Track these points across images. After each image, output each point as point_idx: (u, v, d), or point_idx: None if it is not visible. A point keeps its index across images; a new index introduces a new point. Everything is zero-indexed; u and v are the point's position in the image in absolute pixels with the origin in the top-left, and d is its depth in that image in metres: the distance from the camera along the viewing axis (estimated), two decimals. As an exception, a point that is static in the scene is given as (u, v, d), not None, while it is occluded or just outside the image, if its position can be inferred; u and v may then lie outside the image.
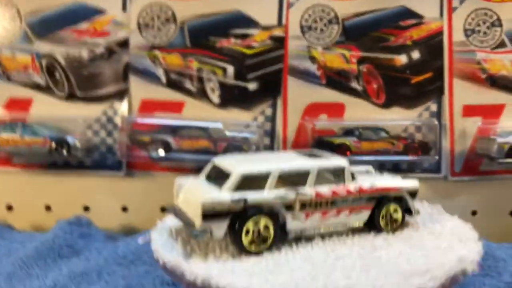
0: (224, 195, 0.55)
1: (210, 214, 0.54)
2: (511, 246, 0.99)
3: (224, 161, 0.62)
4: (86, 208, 1.09)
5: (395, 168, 1.06)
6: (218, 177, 0.60)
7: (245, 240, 0.55)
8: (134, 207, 1.09)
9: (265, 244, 0.56)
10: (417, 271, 0.51)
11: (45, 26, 1.07)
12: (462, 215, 1.07)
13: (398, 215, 0.64)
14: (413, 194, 0.66)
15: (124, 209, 1.09)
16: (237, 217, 0.55)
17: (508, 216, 1.08)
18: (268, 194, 0.57)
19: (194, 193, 0.59)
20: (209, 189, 0.58)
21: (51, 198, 1.09)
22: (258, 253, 0.56)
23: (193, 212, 0.56)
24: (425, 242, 0.60)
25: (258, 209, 0.56)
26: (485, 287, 0.79)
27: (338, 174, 0.62)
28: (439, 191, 1.06)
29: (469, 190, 1.07)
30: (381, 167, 1.06)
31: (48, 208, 1.09)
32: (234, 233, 0.55)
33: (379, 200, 0.63)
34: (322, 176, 0.61)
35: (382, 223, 0.63)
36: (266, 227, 0.56)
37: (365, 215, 0.62)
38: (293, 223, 0.58)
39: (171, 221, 0.66)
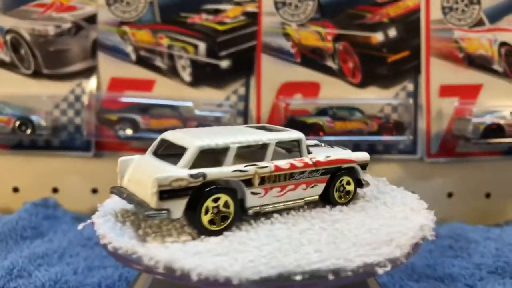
0: (181, 171, 0.52)
1: (167, 192, 0.51)
2: (485, 228, 0.98)
3: (175, 135, 0.58)
4: (55, 190, 1.06)
5: (371, 149, 1.04)
6: (170, 153, 0.57)
7: (205, 219, 0.52)
8: (104, 189, 1.06)
9: (225, 222, 0.54)
10: (382, 241, 0.50)
11: (9, 0, 1.03)
12: (438, 197, 1.07)
13: (351, 187, 0.63)
14: (363, 166, 0.64)
15: (94, 191, 1.06)
16: (195, 194, 0.52)
17: (484, 198, 1.07)
18: (227, 169, 0.54)
19: (145, 171, 0.56)
20: (162, 166, 0.55)
21: (19, 179, 1.06)
22: (218, 232, 0.53)
23: (146, 192, 0.52)
24: (381, 212, 0.59)
25: (217, 186, 0.53)
26: (454, 268, 0.78)
27: (294, 147, 0.60)
28: (414, 173, 1.05)
29: (445, 172, 1.06)
30: (356, 148, 1.04)
31: (16, 190, 1.06)
32: (193, 211, 0.52)
33: (333, 173, 0.61)
34: (279, 149, 0.59)
35: (336, 195, 0.61)
36: (226, 204, 0.53)
37: (320, 188, 0.61)
38: (252, 199, 0.56)
39: (114, 203, 0.62)
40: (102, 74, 1.03)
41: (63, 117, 1.03)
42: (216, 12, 1.03)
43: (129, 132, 0.99)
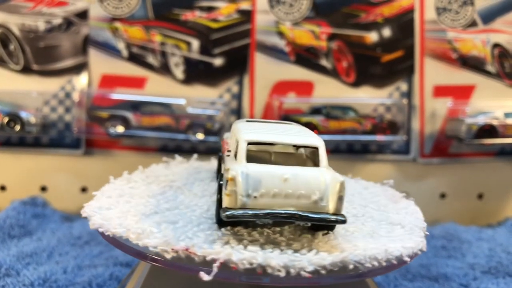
0: (335, 172, 0.49)
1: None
2: (478, 229, 0.98)
3: (270, 136, 0.52)
4: (44, 188, 1.04)
5: (364, 149, 1.03)
6: (280, 154, 0.55)
7: None
8: (93, 187, 1.03)
9: None
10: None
11: (-1, -6, 1.01)
12: (431, 197, 1.06)
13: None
14: None
15: (83, 189, 1.04)
16: None
17: (476, 199, 1.07)
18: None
19: (301, 179, 0.47)
20: (311, 172, 0.48)
21: (7, 177, 1.04)
22: None
23: (310, 200, 0.46)
24: None
25: None
26: (448, 267, 0.78)
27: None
28: (408, 173, 1.05)
29: (438, 172, 1.06)
30: (350, 147, 1.03)
31: (3, 188, 1.04)
32: None
33: None
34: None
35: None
36: None
37: None
38: None
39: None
40: (93, 71, 1.02)
41: (52, 114, 1.01)
42: (210, 9, 1.02)
43: (120, 129, 0.98)
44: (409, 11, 1.03)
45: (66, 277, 0.70)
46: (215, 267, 0.42)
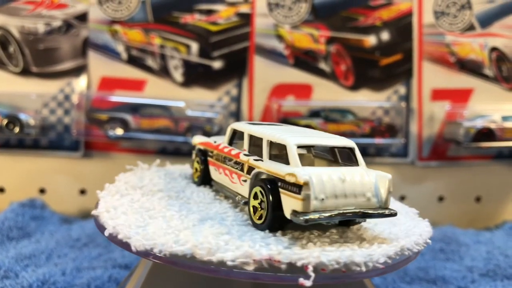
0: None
1: None
2: (476, 232, 0.98)
3: (313, 138, 0.53)
4: (42, 191, 1.04)
5: (363, 152, 1.03)
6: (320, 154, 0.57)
7: None
8: (92, 190, 1.04)
9: None
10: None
11: (-2, -3, 1.01)
12: (429, 200, 1.07)
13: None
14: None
15: (82, 192, 1.04)
16: None
17: (474, 202, 1.08)
18: None
19: (354, 179, 0.49)
20: (358, 170, 0.51)
21: (5, 179, 1.04)
22: None
23: (363, 198, 0.48)
24: None
25: None
26: (446, 270, 0.78)
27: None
28: (406, 176, 1.05)
29: (436, 176, 1.06)
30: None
31: (2, 190, 1.04)
32: None
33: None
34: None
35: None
36: None
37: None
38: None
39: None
40: (93, 73, 1.02)
41: (52, 116, 1.02)
42: (209, 12, 1.02)
43: (119, 132, 0.98)
44: (408, 15, 1.04)
45: (64, 279, 0.70)
46: (310, 272, 0.42)
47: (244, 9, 1.02)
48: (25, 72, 1.02)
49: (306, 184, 0.45)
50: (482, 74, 1.05)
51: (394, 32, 1.03)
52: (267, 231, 0.48)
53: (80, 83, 1.02)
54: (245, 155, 0.55)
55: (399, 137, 1.01)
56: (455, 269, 0.79)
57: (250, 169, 0.53)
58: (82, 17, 1.01)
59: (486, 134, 1.00)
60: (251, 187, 0.51)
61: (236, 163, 0.55)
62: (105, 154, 1.03)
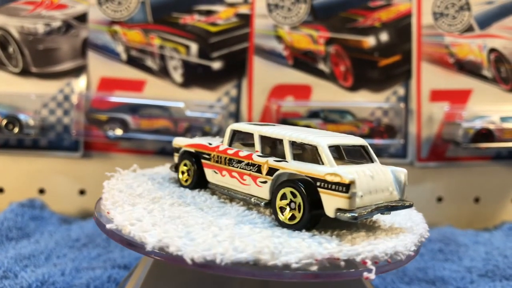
0: None
1: None
2: (475, 233, 0.99)
3: (336, 138, 0.55)
4: (42, 191, 1.04)
5: (361, 153, 1.04)
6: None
7: None
8: (91, 190, 1.05)
9: None
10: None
11: (-2, -3, 1.01)
12: (427, 201, 1.07)
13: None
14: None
15: (82, 192, 1.04)
16: None
17: (473, 202, 1.08)
18: None
19: (379, 176, 0.52)
20: (376, 167, 0.54)
21: (5, 179, 1.04)
22: None
23: (389, 192, 0.52)
24: None
25: None
26: (445, 271, 0.78)
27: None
28: (405, 177, 1.05)
29: (435, 176, 1.06)
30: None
31: (1, 190, 1.04)
32: None
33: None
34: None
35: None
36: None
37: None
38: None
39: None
40: (92, 74, 1.02)
41: (51, 117, 1.02)
42: (209, 13, 1.02)
43: (118, 132, 0.98)
44: (407, 16, 1.04)
45: (64, 279, 0.70)
46: (370, 266, 0.44)
47: (243, 10, 1.03)
48: (25, 72, 1.02)
49: (353, 182, 0.47)
50: (481, 75, 1.05)
51: (393, 33, 1.04)
52: (303, 230, 0.49)
53: (79, 84, 1.02)
54: (259, 156, 0.55)
55: (398, 138, 1.02)
56: (454, 269, 0.79)
57: (272, 170, 0.53)
58: (82, 18, 1.02)
59: (485, 135, 1.00)
60: (277, 188, 0.52)
61: (250, 164, 0.55)
62: (104, 154, 1.03)
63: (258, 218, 0.53)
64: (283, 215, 0.51)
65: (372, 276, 0.43)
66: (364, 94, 1.04)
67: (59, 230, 0.91)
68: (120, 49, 1.02)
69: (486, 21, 1.05)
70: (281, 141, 0.54)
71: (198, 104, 1.01)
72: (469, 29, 1.05)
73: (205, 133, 0.98)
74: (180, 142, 0.67)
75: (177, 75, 1.02)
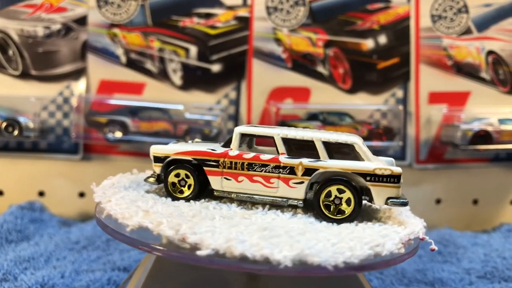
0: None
1: None
2: (473, 234, 0.99)
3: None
4: (41, 193, 1.04)
5: (360, 155, 1.04)
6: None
7: None
8: (91, 193, 1.03)
9: None
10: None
11: (-2, 0, 1.02)
12: (426, 203, 1.07)
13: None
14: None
15: (81, 194, 1.05)
16: None
17: (471, 204, 1.08)
18: None
19: None
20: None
21: (4, 182, 1.04)
22: None
23: None
24: None
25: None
26: (443, 273, 0.78)
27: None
28: (403, 179, 1.05)
29: (434, 178, 1.06)
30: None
31: (1, 192, 1.04)
32: None
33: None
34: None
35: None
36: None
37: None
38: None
39: None
40: (92, 76, 1.02)
41: (51, 119, 1.02)
42: (208, 16, 1.03)
43: (118, 134, 0.98)
44: (405, 19, 1.04)
45: (63, 282, 0.70)
46: (428, 240, 0.53)
47: (242, 12, 1.03)
48: (24, 75, 1.02)
49: (401, 173, 0.54)
50: (479, 77, 1.05)
51: (392, 35, 1.04)
52: (352, 222, 0.54)
53: (79, 86, 1.02)
54: (288, 158, 0.56)
55: (396, 140, 1.02)
56: (453, 271, 0.79)
57: (308, 170, 0.55)
58: (81, 21, 1.02)
59: (483, 137, 1.00)
60: (320, 187, 0.55)
61: (279, 167, 0.56)
62: (104, 157, 1.03)
63: (307, 217, 0.55)
64: (330, 211, 0.55)
65: (436, 247, 0.53)
66: (362, 97, 1.04)
67: (59, 233, 0.91)
68: (119, 52, 1.02)
69: (484, 23, 1.05)
70: (309, 142, 0.56)
71: (198, 106, 1.01)
72: (467, 31, 1.05)
73: (204, 136, 0.99)
74: (164, 150, 0.61)
75: (177, 78, 1.03)
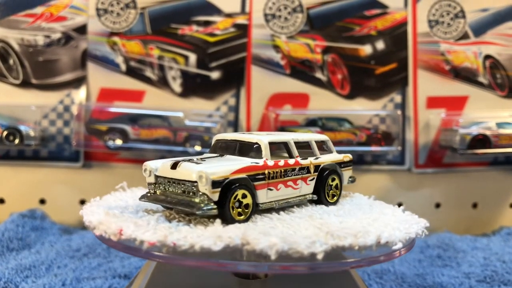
0: None
1: None
2: (473, 238, 0.99)
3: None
4: (42, 201, 1.05)
5: (359, 159, 1.05)
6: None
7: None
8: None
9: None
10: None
11: (-2, 10, 1.03)
12: (426, 207, 1.08)
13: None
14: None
15: (82, 202, 1.05)
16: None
17: (471, 208, 1.08)
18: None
19: None
20: None
21: (5, 190, 1.04)
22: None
23: None
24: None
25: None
26: (443, 277, 0.78)
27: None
28: (403, 183, 1.06)
29: (433, 182, 1.07)
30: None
31: (2, 201, 1.05)
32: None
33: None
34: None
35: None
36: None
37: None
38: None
39: None
40: (92, 85, 1.03)
41: (51, 127, 1.03)
42: (206, 23, 1.04)
43: (118, 142, 0.99)
44: (402, 24, 1.05)
45: (65, 289, 0.71)
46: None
47: (241, 20, 1.04)
48: (25, 84, 1.03)
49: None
50: (477, 82, 1.06)
51: (389, 41, 1.05)
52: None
53: (79, 95, 1.03)
54: (303, 159, 0.62)
55: (395, 145, 1.02)
56: (453, 275, 0.79)
57: (316, 167, 0.63)
58: (81, 29, 1.03)
59: (482, 140, 1.01)
60: (324, 178, 0.63)
61: (302, 169, 0.61)
62: (104, 164, 1.04)
63: (323, 208, 0.61)
64: (332, 199, 0.63)
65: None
66: (361, 102, 1.05)
67: (60, 241, 0.92)
68: (119, 60, 1.03)
69: (481, 28, 1.06)
70: (306, 143, 0.64)
71: (197, 113, 1.02)
72: (464, 36, 1.06)
73: (204, 143, 0.99)
74: (222, 172, 0.52)
75: (176, 85, 1.03)
